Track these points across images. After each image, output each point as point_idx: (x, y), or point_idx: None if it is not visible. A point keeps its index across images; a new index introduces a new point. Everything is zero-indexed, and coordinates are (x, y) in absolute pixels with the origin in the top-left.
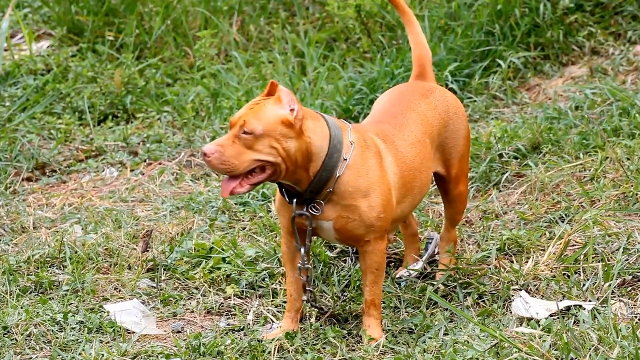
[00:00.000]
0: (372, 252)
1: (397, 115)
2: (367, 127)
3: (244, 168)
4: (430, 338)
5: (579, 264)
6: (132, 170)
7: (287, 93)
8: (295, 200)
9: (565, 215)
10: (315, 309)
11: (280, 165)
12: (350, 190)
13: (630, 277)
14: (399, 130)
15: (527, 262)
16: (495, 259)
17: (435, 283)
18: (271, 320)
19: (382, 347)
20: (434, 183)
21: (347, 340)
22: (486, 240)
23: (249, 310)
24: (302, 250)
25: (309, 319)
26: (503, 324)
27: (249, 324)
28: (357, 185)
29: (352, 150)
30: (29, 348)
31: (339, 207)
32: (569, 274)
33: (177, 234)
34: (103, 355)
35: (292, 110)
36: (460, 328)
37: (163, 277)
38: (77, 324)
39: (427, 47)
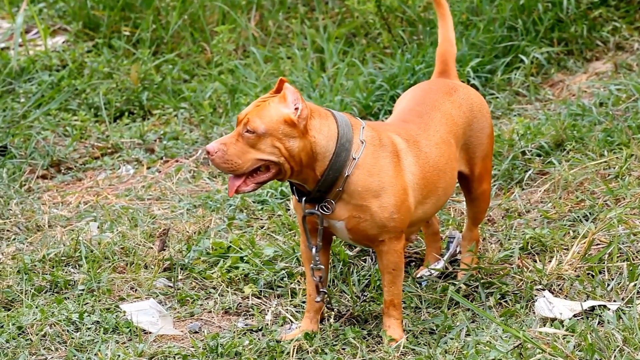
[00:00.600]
0: (388, 252)
1: (422, 115)
2: (388, 126)
3: (247, 167)
4: (451, 339)
5: (604, 263)
6: (148, 168)
7: (293, 91)
8: (304, 198)
9: (590, 213)
10: (331, 310)
11: (283, 164)
12: (360, 190)
13: None
14: (424, 130)
15: (550, 261)
16: (518, 259)
17: (457, 283)
18: (290, 320)
19: (403, 348)
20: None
21: (367, 341)
22: (509, 239)
23: (268, 311)
24: (314, 250)
25: (328, 319)
26: (526, 325)
27: (268, 325)
28: (368, 185)
29: (362, 149)
30: (44, 348)
31: (350, 207)
32: (594, 274)
33: (195, 233)
34: (119, 356)
35: (296, 109)
36: (483, 329)
37: (180, 277)
38: (92, 324)
39: (454, 44)
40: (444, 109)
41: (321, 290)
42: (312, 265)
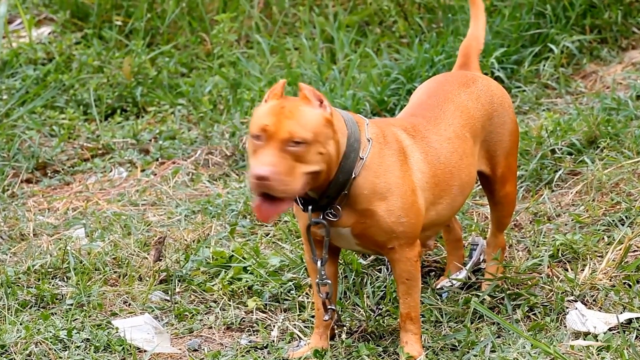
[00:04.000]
0: (400, 260)
1: (432, 108)
2: (392, 121)
3: (300, 186)
4: (475, 355)
5: None
6: (142, 171)
7: (310, 88)
8: (310, 207)
9: (626, 217)
10: (342, 327)
11: (322, 173)
12: (366, 193)
13: None
14: (434, 124)
15: (583, 270)
16: (548, 267)
17: (480, 294)
18: (298, 336)
19: None
20: (479, 183)
21: (382, 358)
22: (537, 246)
23: (273, 326)
24: (319, 263)
25: (340, 335)
26: (557, 339)
27: (273, 341)
28: (374, 187)
29: (369, 148)
30: None
31: (356, 212)
32: (630, 283)
33: (193, 241)
34: None
35: (322, 105)
36: (509, 344)
37: (178, 289)
38: (82, 341)
39: (481, 42)
40: (458, 100)
41: (329, 307)
42: (317, 280)
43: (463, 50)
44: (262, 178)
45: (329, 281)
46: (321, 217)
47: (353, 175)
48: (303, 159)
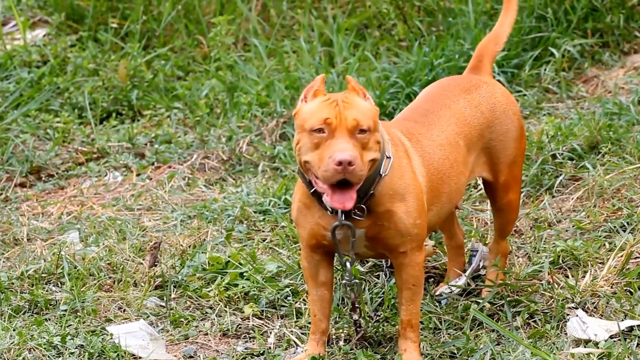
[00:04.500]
0: (409, 265)
1: (427, 113)
2: (389, 123)
3: (366, 172)
4: None
5: None
6: (138, 175)
7: (355, 81)
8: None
9: (628, 223)
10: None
11: (376, 162)
12: (391, 194)
13: None
14: (428, 129)
15: (584, 276)
16: (548, 274)
17: (480, 301)
18: (295, 343)
19: None
20: (480, 189)
21: None
22: (538, 253)
23: (270, 333)
24: (348, 264)
25: (337, 342)
26: (557, 347)
27: (270, 348)
28: (396, 188)
29: (390, 147)
30: None
31: (374, 213)
32: (632, 290)
33: (189, 247)
34: None
35: (366, 98)
36: (509, 351)
37: (173, 295)
38: (76, 348)
39: (500, 43)
40: (455, 107)
41: (358, 306)
42: (345, 281)
43: (478, 52)
44: (348, 163)
45: (357, 281)
46: (342, 217)
47: (382, 175)
48: (366, 147)
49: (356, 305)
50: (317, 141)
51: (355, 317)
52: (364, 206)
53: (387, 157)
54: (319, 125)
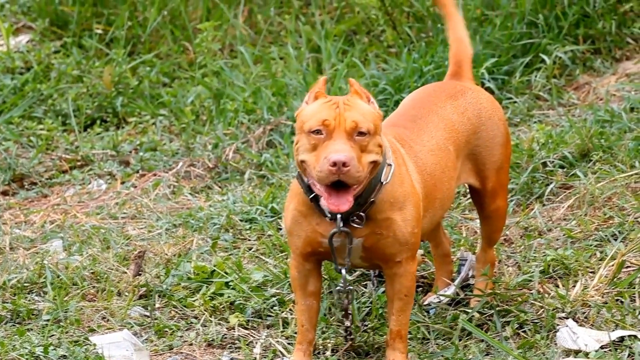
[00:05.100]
0: (403, 275)
1: (416, 119)
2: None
3: (366, 174)
4: None
5: (634, 288)
6: (122, 183)
7: (359, 85)
8: (340, 215)
9: (619, 232)
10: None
11: (377, 165)
12: (392, 202)
13: None
14: (417, 135)
15: (574, 286)
16: (538, 283)
17: (469, 311)
18: (281, 353)
19: None
20: (469, 197)
21: None
22: (528, 262)
23: (256, 343)
24: (344, 271)
25: (324, 352)
26: (547, 358)
27: (256, 359)
28: (397, 196)
29: (390, 154)
30: None
31: (373, 221)
32: (623, 300)
33: (174, 255)
34: None
35: (370, 102)
36: None
37: (157, 305)
38: (59, 358)
39: (466, 43)
40: (442, 113)
41: (349, 313)
42: (340, 287)
43: (453, 58)
44: (342, 164)
45: (352, 287)
46: (341, 224)
47: (383, 182)
48: (365, 149)
49: (349, 312)
50: (315, 142)
51: (347, 323)
52: (363, 214)
53: (388, 165)
54: (317, 126)
